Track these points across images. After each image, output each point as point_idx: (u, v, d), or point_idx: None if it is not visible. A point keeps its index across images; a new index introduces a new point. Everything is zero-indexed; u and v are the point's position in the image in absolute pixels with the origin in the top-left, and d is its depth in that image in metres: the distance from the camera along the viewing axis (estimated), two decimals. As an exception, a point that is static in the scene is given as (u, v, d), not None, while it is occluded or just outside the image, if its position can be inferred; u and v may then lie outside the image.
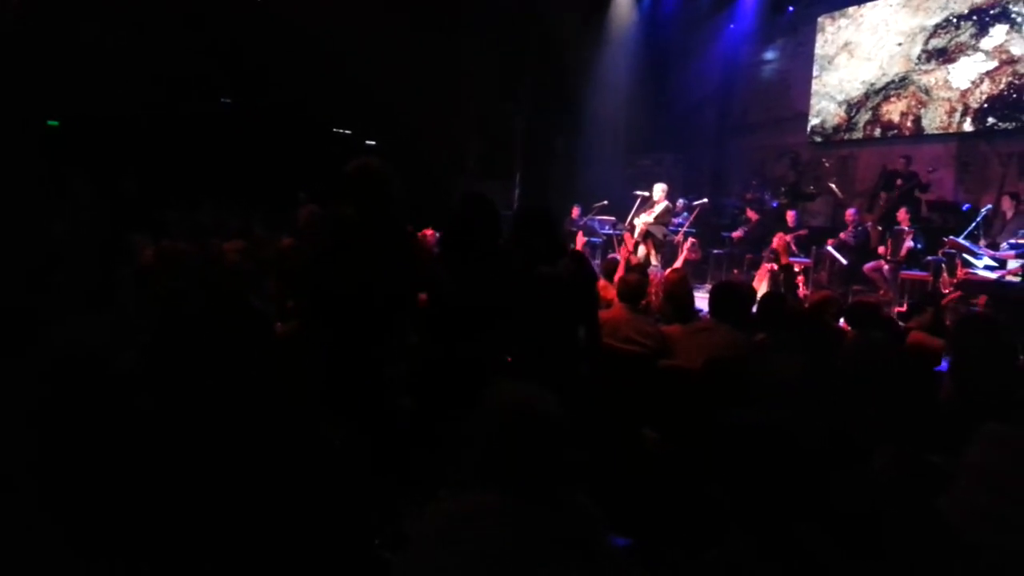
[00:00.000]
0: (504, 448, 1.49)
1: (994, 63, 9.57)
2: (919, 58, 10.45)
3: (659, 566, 1.88)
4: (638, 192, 9.37)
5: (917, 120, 10.46)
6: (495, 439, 1.50)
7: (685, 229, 9.50)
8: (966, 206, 9.00)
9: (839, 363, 2.89)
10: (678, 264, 7.38)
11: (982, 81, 9.70)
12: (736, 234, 10.43)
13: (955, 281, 7.05)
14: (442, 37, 11.28)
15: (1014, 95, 9.34)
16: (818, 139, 11.88)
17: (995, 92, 9.55)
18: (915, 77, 10.49)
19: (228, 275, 3.85)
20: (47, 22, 8.62)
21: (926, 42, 10.37)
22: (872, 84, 11.08)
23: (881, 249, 8.57)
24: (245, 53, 10.20)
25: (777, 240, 7.70)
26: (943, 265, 7.42)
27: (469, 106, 12.50)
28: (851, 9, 11.41)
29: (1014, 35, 9.36)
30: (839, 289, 8.08)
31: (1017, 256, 6.78)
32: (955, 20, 10.04)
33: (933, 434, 2.26)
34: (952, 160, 10.05)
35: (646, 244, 8.90)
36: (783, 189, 11.63)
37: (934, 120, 10.23)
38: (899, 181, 9.46)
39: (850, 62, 11.39)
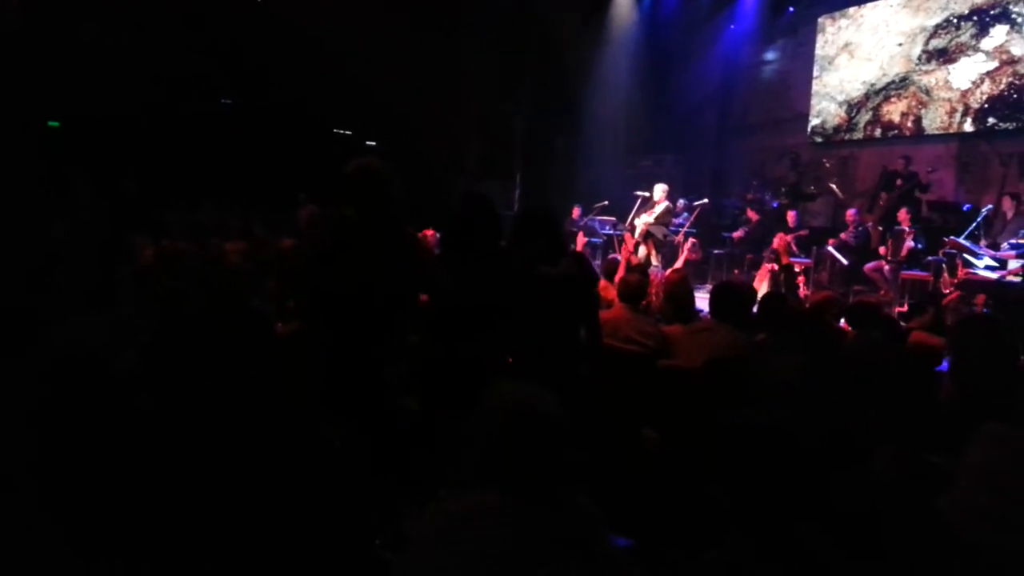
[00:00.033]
0: (504, 448, 1.49)
1: (994, 63, 9.56)
2: (919, 58, 10.45)
3: (659, 566, 1.88)
4: (638, 192, 9.38)
5: (918, 120, 10.46)
6: (495, 439, 1.50)
7: (686, 229, 9.50)
8: (967, 206, 9.00)
9: (840, 363, 2.88)
10: (679, 264, 7.36)
11: (982, 81, 9.70)
12: (737, 234, 10.43)
13: (956, 281, 7.05)
14: (442, 37, 11.27)
15: (1014, 95, 9.34)
16: (818, 139, 11.88)
17: (995, 92, 9.55)
18: (915, 77, 10.49)
19: (228, 275, 3.85)
20: (47, 22, 8.62)
21: (926, 42, 10.37)
22: (872, 84, 11.08)
23: (882, 249, 8.57)
24: (245, 53, 10.20)
25: (778, 240, 7.70)
26: (944, 265, 7.41)
27: (469, 106, 12.50)
28: (851, 9, 11.41)
29: (1014, 35, 9.35)
30: (840, 289, 8.07)
31: (1018, 256, 6.78)
32: (955, 20, 10.04)
33: (933, 434, 2.26)
34: (953, 160, 10.05)
35: (647, 244, 8.90)
36: (783, 189, 11.62)
37: (935, 120, 10.23)
38: (899, 181, 9.46)
39: (850, 62, 11.39)
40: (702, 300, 4.51)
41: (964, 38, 9.91)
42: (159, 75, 9.47)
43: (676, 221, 9.68)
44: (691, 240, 8.89)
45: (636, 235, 8.95)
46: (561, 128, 13.02)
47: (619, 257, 7.02)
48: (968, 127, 9.85)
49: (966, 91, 9.86)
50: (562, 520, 1.48)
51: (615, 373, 3.28)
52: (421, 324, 2.92)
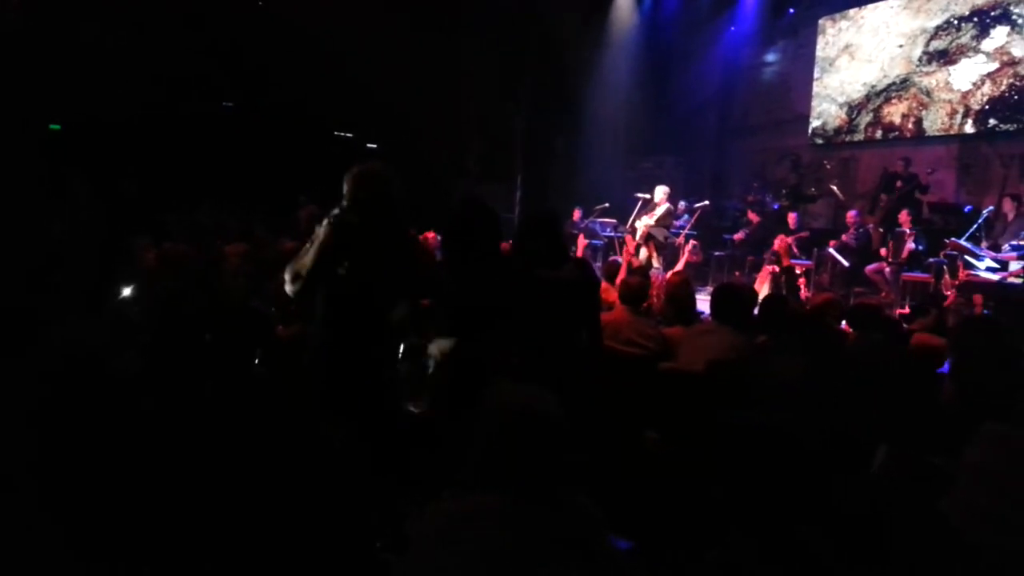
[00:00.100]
0: (504, 448, 1.48)
1: (995, 65, 9.57)
2: (920, 60, 10.46)
3: (660, 568, 1.88)
4: (639, 194, 9.37)
5: (918, 122, 10.46)
6: (495, 439, 1.50)
7: (686, 231, 9.50)
8: (968, 208, 9.00)
9: (841, 365, 2.88)
10: (679, 266, 7.36)
11: (983, 83, 9.70)
12: (737, 236, 10.43)
13: (957, 283, 7.05)
14: (442, 37, 11.27)
15: (1015, 97, 9.34)
16: (819, 141, 11.88)
17: (996, 94, 9.55)
18: (916, 79, 10.49)
19: (229, 277, 3.85)
20: (47, 22, 8.63)
21: (927, 44, 10.38)
22: (873, 86, 11.08)
23: (883, 251, 8.57)
24: (246, 54, 10.20)
25: (778, 242, 7.70)
26: (945, 267, 7.42)
27: (469, 106, 12.49)
28: (852, 11, 11.41)
29: (1015, 37, 9.36)
30: (841, 291, 8.08)
31: (1019, 258, 6.78)
32: (956, 22, 10.04)
33: (935, 436, 2.25)
34: (953, 162, 10.05)
35: (647, 246, 8.90)
36: (784, 191, 11.62)
37: (935, 122, 10.23)
38: (899, 183, 9.45)
39: (851, 64, 11.39)
40: (703, 302, 4.51)
41: (965, 39, 9.92)
42: (159, 76, 9.46)
43: (677, 223, 9.68)
44: (692, 242, 8.88)
45: (637, 237, 8.94)
46: (561, 129, 13.01)
47: (620, 259, 7.03)
48: (969, 128, 9.85)
49: (967, 92, 9.86)
50: (562, 521, 1.48)
51: (616, 375, 3.27)
52: (421, 324, 2.92)
